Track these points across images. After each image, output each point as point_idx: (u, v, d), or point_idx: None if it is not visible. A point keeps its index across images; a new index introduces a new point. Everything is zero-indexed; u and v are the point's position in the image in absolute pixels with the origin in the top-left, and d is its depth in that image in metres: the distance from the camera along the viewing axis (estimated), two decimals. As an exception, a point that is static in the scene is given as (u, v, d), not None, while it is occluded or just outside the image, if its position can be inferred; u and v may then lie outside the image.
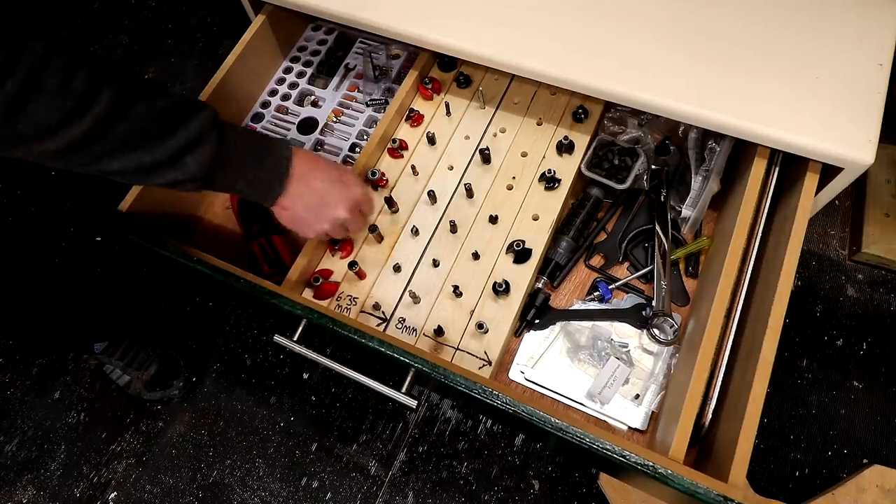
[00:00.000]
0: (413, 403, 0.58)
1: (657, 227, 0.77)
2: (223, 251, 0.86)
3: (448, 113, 0.80)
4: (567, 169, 0.75)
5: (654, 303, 0.74)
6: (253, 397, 1.14)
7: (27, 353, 1.23)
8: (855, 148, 0.60)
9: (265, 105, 0.92)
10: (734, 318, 0.63)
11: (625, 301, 0.77)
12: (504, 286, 0.68)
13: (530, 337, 0.76)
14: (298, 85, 0.92)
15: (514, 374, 0.74)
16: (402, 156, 0.78)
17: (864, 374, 1.07)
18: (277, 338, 0.62)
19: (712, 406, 0.60)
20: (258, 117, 0.91)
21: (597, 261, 0.80)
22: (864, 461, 1.00)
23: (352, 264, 0.69)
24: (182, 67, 1.55)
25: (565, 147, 0.75)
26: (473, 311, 0.69)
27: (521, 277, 0.70)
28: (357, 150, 0.86)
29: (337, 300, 0.71)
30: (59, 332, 1.04)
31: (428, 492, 1.04)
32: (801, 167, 0.65)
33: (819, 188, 0.64)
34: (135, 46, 1.60)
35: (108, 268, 1.32)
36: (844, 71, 0.64)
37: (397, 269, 0.71)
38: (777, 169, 0.67)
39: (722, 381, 0.61)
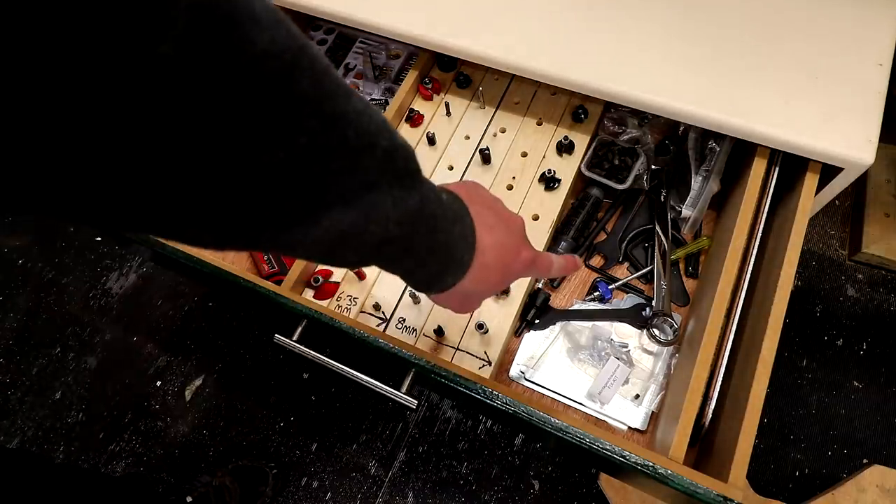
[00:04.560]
0: (413, 403, 0.58)
1: (657, 227, 0.77)
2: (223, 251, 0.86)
3: (448, 113, 0.80)
4: (567, 169, 0.75)
5: (654, 303, 0.74)
6: (253, 397, 1.14)
7: (27, 353, 1.23)
8: (855, 148, 0.60)
9: (265, 105, 0.91)
10: (734, 318, 0.63)
11: (625, 301, 0.77)
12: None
13: (530, 337, 0.76)
14: (298, 85, 0.92)
15: (514, 374, 0.74)
16: (402, 156, 0.78)
17: (864, 374, 1.07)
18: (277, 338, 0.62)
19: (712, 406, 0.60)
20: (258, 117, 0.91)
21: (597, 261, 0.80)
22: (864, 461, 1.00)
23: (352, 264, 0.69)
24: (182, 67, 1.55)
25: (565, 147, 0.75)
26: (473, 311, 0.69)
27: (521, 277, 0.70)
28: (357, 150, 0.86)
29: (337, 300, 0.71)
30: None
31: (428, 492, 1.04)
32: (801, 167, 0.65)
33: (819, 188, 0.64)
34: (135, 46, 1.60)
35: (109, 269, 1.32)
36: (844, 71, 0.64)
37: (397, 269, 0.71)
38: (777, 169, 0.67)
39: (722, 381, 0.61)
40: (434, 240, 0.36)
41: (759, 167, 0.66)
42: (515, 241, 0.43)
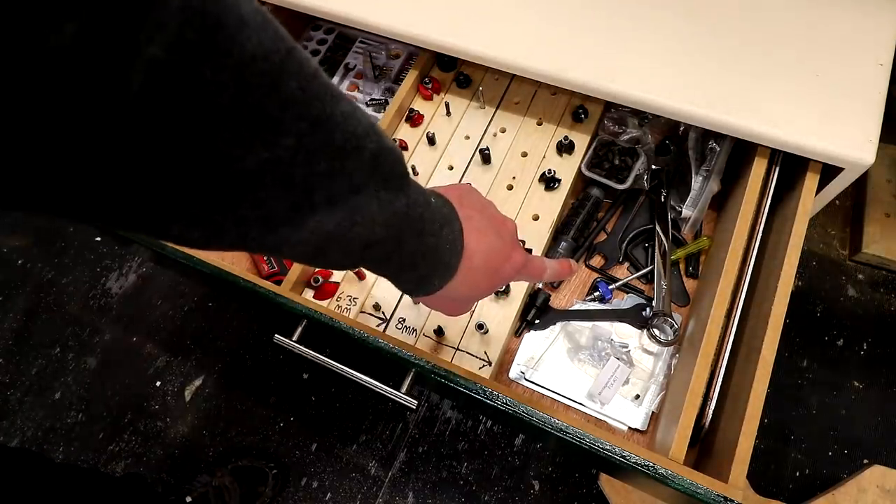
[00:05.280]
0: (413, 404, 0.58)
1: (657, 227, 0.77)
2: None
3: (448, 113, 0.80)
4: (567, 169, 0.75)
5: (654, 303, 0.74)
6: (253, 397, 1.14)
7: (27, 353, 1.23)
8: (855, 148, 0.59)
9: (265, 105, 0.91)
10: (734, 319, 0.63)
11: (625, 301, 0.77)
12: (504, 286, 0.68)
13: (530, 337, 0.76)
14: (298, 85, 0.92)
15: (514, 374, 0.74)
16: (402, 156, 0.78)
17: (864, 374, 1.07)
18: (277, 338, 0.62)
19: (712, 406, 0.60)
20: (258, 117, 0.91)
21: (597, 261, 0.80)
22: (865, 461, 1.00)
23: (352, 264, 0.69)
24: (182, 67, 1.55)
25: (565, 147, 0.75)
26: (473, 312, 0.69)
27: (521, 277, 0.70)
28: (357, 150, 0.86)
29: (337, 300, 0.70)
30: None
31: (428, 492, 1.04)
32: (801, 167, 0.65)
33: (819, 188, 0.64)
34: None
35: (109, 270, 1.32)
36: (844, 70, 0.64)
37: (397, 269, 0.71)
38: (777, 169, 0.67)
39: (722, 382, 0.61)
40: (421, 242, 0.36)
41: (759, 167, 0.66)
42: (506, 244, 0.43)
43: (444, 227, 0.37)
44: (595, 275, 0.79)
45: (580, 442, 0.52)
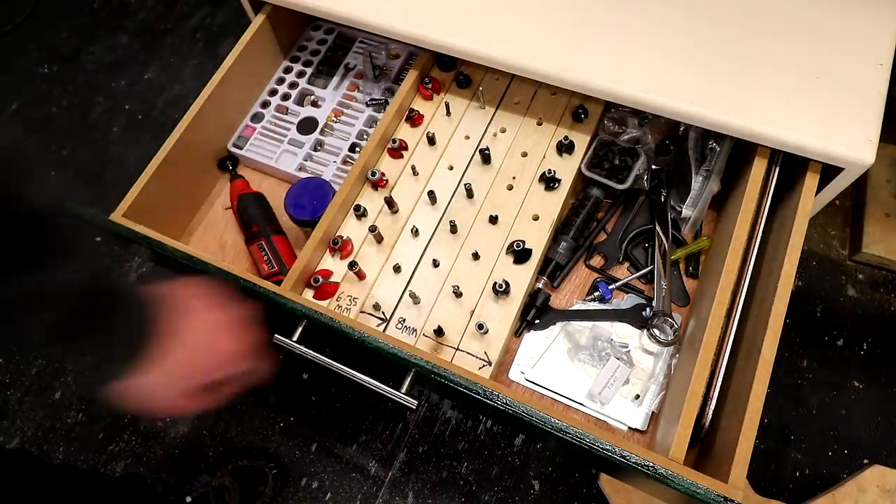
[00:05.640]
0: (413, 404, 0.58)
1: (657, 227, 0.77)
2: (223, 251, 0.86)
3: (448, 113, 0.80)
4: (567, 169, 0.75)
5: (654, 303, 0.74)
6: (253, 397, 1.14)
7: (27, 353, 1.23)
8: (855, 148, 0.59)
9: (265, 105, 0.92)
10: (734, 319, 0.63)
11: (625, 301, 0.77)
12: (504, 286, 0.68)
13: (530, 337, 0.76)
14: (298, 85, 0.92)
15: (514, 374, 0.74)
16: (402, 156, 0.78)
17: (864, 374, 1.07)
18: (277, 337, 0.62)
19: (712, 406, 0.60)
20: (258, 117, 0.91)
21: (597, 261, 0.80)
22: (865, 461, 1.00)
23: (352, 264, 0.69)
24: (181, 68, 1.55)
25: (565, 147, 0.75)
26: (473, 312, 0.69)
27: (521, 277, 0.70)
28: (357, 150, 0.86)
29: (337, 300, 0.70)
30: None
31: (428, 492, 1.04)
32: (801, 167, 0.65)
33: (819, 188, 0.64)
34: (135, 46, 1.60)
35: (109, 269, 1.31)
36: (844, 71, 0.64)
37: (397, 269, 0.71)
38: (777, 169, 0.67)
39: (722, 382, 0.61)
40: (104, 320, 0.36)
41: (759, 167, 0.66)
42: (208, 336, 0.44)
43: (133, 310, 0.38)
44: (595, 275, 0.79)
45: (580, 442, 0.52)
